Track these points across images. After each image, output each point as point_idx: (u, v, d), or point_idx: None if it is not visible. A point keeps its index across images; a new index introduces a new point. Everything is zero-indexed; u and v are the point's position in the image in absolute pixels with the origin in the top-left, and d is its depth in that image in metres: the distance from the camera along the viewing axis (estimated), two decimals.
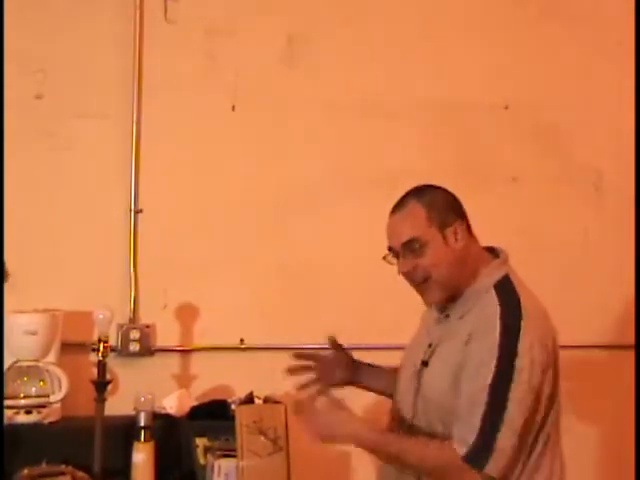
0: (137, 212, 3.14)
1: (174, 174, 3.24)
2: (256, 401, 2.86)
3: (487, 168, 3.40)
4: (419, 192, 2.15)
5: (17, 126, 3.04)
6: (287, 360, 3.03)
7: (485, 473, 1.94)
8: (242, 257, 3.25)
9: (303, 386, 2.40)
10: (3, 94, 3.02)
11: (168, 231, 3.19)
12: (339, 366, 2.45)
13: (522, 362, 1.98)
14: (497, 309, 2.03)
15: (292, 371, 2.43)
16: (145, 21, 3.16)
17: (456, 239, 2.10)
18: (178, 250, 3.21)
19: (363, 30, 3.32)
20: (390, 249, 2.13)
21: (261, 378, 3.00)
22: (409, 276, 2.13)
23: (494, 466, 1.95)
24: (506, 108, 3.39)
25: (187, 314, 3.24)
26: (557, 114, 3.46)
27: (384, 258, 2.16)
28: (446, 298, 2.16)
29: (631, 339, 3.35)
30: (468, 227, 2.16)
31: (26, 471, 2.61)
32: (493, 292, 2.07)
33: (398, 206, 2.15)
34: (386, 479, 2.26)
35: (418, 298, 2.26)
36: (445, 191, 2.18)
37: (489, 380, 1.97)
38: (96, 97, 3.15)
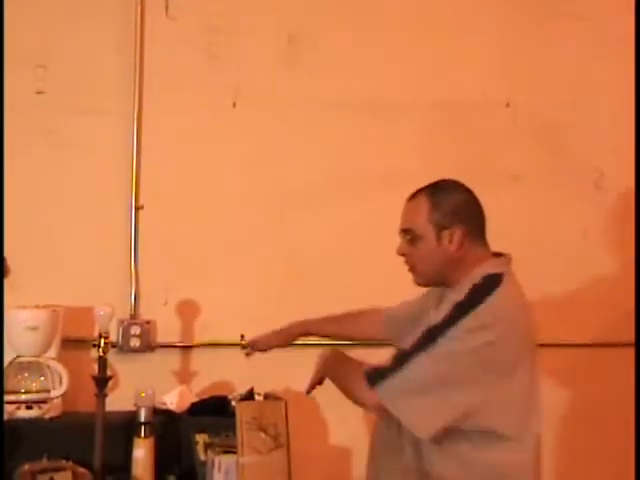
0: (138, 208, 3.17)
1: (175, 170, 3.27)
2: (256, 397, 2.86)
3: (487, 166, 3.44)
4: (435, 189, 2.27)
5: (18, 122, 3.09)
6: (288, 356, 3.04)
7: (374, 390, 2.09)
8: (243, 253, 3.28)
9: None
10: (3, 92, 3.06)
11: (169, 227, 3.24)
12: None
13: (464, 327, 2.08)
14: (465, 292, 2.14)
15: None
16: (146, 18, 3.20)
17: (450, 242, 2.21)
18: (179, 246, 3.25)
19: (363, 30, 3.36)
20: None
21: (262, 374, 3.01)
22: (403, 258, 2.30)
23: (379, 391, 2.09)
24: (507, 106, 3.42)
25: (188, 310, 3.27)
26: (558, 112, 3.49)
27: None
28: (429, 285, 2.34)
29: (631, 337, 3.32)
30: (474, 233, 2.25)
31: (27, 466, 2.64)
32: (479, 279, 2.17)
33: (412, 195, 2.30)
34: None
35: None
36: (461, 194, 2.28)
37: (427, 328, 2.11)
38: (97, 94, 3.19)
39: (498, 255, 2.29)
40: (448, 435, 2.13)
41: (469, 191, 2.29)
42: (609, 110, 3.59)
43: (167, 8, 3.22)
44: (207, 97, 3.28)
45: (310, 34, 3.36)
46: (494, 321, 2.12)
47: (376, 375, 2.12)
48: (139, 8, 3.18)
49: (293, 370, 3.06)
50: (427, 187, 2.29)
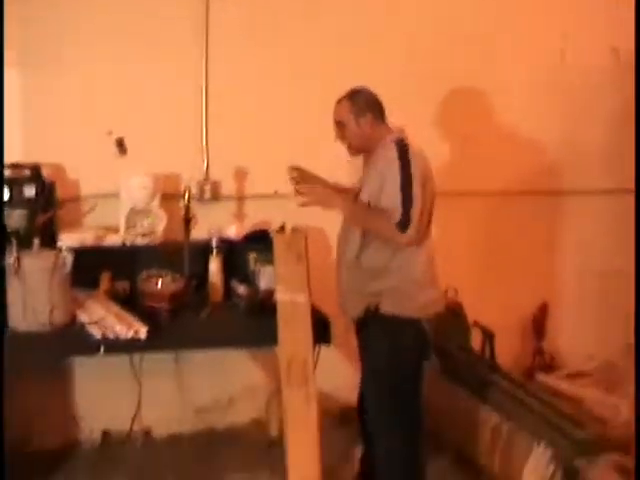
0: (207, 109, 3.87)
1: (231, 83, 3.89)
2: (287, 230, 3.32)
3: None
4: (352, 94, 3.10)
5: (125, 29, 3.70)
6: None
7: (407, 234, 2.90)
8: (275, 135, 3.91)
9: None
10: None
11: (227, 122, 3.87)
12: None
13: (413, 173, 2.92)
14: (394, 150, 2.95)
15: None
16: None
17: (365, 124, 3.07)
18: (234, 134, 3.90)
19: None
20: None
21: (289, 215, 3.43)
22: (340, 140, 3.14)
23: (411, 231, 2.90)
24: None
25: (241, 174, 3.98)
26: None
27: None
28: (359, 153, 3.15)
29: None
30: (380, 118, 3.09)
31: (144, 273, 3.44)
32: (393, 145, 2.99)
33: (338, 100, 3.13)
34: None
35: None
36: (370, 94, 3.10)
37: (399, 186, 2.91)
38: (180, 35, 3.80)
39: (401, 129, 3.08)
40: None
41: (372, 92, 3.08)
42: None
43: None
44: (253, 39, 3.93)
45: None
46: (419, 162, 2.97)
47: (403, 226, 2.87)
48: None
49: (311, 213, 3.36)
50: (347, 93, 3.09)
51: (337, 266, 3.23)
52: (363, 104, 3.10)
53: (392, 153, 2.97)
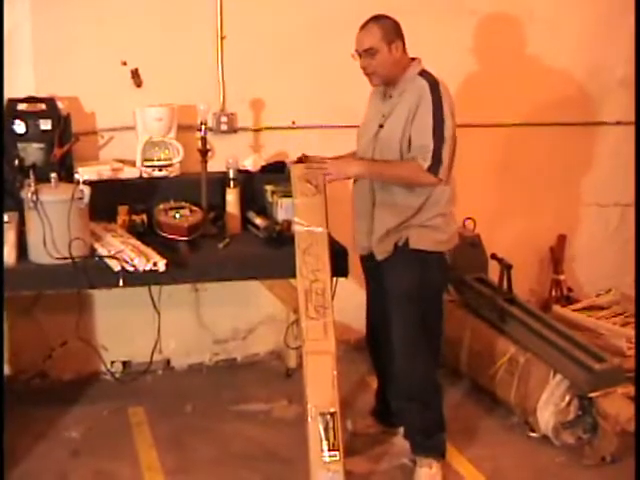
0: (222, 38, 3.83)
1: (246, 10, 3.85)
2: (304, 161, 3.24)
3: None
4: (377, 19, 3.01)
5: None
6: (319, 135, 3.91)
7: (438, 177, 2.92)
8: (292, 67, 3.91)
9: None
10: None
11: (244, 52, 3.86)
12: None
13: (445, 111, 2.91)
14: (426, 85, 2.94)
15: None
16: None
17: (396, 50, 3.00)
18: (250, 63, 3.87)
19: None
20: (356, 51, 3.03)
21: (306, 147, 3.44)
22: (365, 69, 3.03)
23: (442, 172, 2.92)
24: None
25: (257, 105, 3.95)
26: None
27: (352, 56, 3.03)
28: (384, 83, 3.07)
29: (557, 118, 3.88)
30: (404, 45, 3.02)
31: (161, 205, 3.45)
32: (420, 77, 2.98)
33: (364, 26, 3.03)
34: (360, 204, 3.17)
35: None
36: (394, 20, 3.03)
37: (431, 124, 2.90)
38: None
39: (413, 58, 3.05)
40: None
41: (395, 19, 3.02)
42: None
43: None
44: None
45: None
46: (447, 97, 2.96)
47: (434, 167, 2.89)
48: None
49: (328, 145, 3.58)
50: (371, 19, 3.01)
51: (361, 210, 3.21)
52: (392, 30, 3.03)
53: (422, 88, 2.95)
